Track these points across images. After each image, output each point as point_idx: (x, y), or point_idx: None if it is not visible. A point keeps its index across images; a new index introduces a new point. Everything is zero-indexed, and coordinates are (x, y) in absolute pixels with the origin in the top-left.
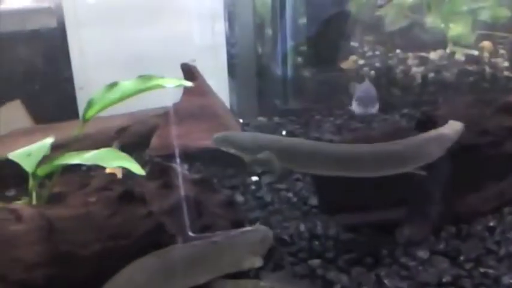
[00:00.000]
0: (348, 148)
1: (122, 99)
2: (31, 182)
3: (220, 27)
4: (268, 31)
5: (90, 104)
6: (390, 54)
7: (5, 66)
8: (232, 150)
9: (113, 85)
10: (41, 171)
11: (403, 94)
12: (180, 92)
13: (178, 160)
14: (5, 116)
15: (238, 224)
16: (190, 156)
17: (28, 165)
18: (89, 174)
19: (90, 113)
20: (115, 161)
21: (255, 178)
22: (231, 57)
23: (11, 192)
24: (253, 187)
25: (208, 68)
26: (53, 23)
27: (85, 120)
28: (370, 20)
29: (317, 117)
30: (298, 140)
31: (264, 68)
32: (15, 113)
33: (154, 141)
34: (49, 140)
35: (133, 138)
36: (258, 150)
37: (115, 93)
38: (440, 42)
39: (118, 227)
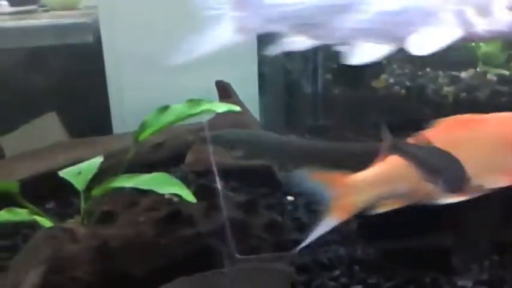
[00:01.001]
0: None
1: (173, 122)
2: (82, 201)
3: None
4: None
5: (143, 127)
6: (420, 73)
7: (42, 79)
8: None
9: (164, 108)
10: (96, 192)
11: (435, 113)
12: None
13: (216, 177)
14: (40, 128)
15: (282, 247)
16: (225, 173)
17: (79, 184)
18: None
19: (143, 135)
20: (168, 187)
21: (290, 198)
22: (261, 74)
23: (50, 205)
24: (289, 207)
25: (238, 82)
26: (89, 38)
27: (137, 142)
28: None
29: (348, 136)
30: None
31: (293, 84)
32: (50, 125)
33: (190, 156)
34: (98, 160)
35: (169, 153)
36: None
37: (167, 117)
38: (471, 61)
39: (166, 247)
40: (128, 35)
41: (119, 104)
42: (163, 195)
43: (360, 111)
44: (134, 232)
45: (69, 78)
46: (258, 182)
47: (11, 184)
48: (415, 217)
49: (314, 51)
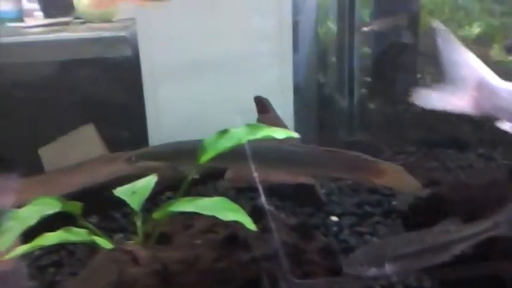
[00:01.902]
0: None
1: (232, 146)
2: (139, 222)
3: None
4: (332, 60)
5: (203, 150)
6: None
7: (81, 91)
8: (153, 164)
9: (223, 132)
10: (157, 216)
11: (475, 131)
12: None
13: (262, 197)
14: (77, 139)
15: (335, 271)
16: (267, 191)
17: (134, 204)
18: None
19: (204, 158)
20: (230, 214)
21: (335, 218)
22: (296, 88)
23: (93, 219)
24: (334, 228)
25: (272, 97)
26: (127, 51)
27: (197, 165)
28: (432, 51)
29: (387, 153)
30: None
31: (326, 98)
32: (88, 137)
33: (230, 172)
34: (152, 179)
35: (208, 168)
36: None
37: (226, 141)
38: (509, 76)
39: (223, 271)
40: (165, 47)
41: (156, 117)
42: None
43: (397, 128)
44: (192, 255)
45: (107, 91)
46: (301, 201)
47: (75, 205)
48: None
49: (350, 65)
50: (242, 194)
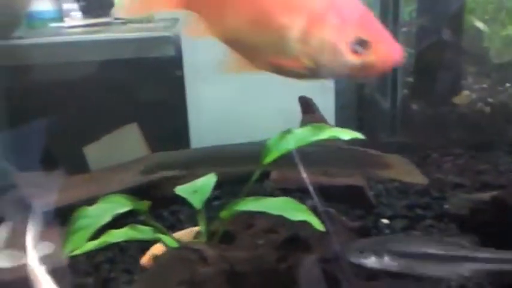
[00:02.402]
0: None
1: (295, 146)
2: (201, 220)
3: None
4: None
5: (267, 151)
6: (500, 88)
7: (124, 91)
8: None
9: (286, 132)
10: (224, 215)
11: None
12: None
13: (315, 198)
14: (121, 138)
15: (398, 275)
16: (316, 192)
17: (196, 202)
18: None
19: (268, 159)
20: (298, 214)
21: (385, 221)
22: (337, 88)
23: (142, 217)
24: (387, 231)
25: (314, 97)
26: (171, 51)
27: (262, 166)
28: (475, 50)
29: (433, 155)
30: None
31: (367, 99)
32: (131, 136)
33: (275, 173)
34: (213, 178)
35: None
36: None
37: (289, 142)
38: None
39: (286, 272)
40: (208, 47)
41: (197, 117)
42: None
43: (442, 129)
44: (256, 255)
45: (150, 91)
46: (351, 203)
47: (144, 203)
48: None
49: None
50: (289, 195)
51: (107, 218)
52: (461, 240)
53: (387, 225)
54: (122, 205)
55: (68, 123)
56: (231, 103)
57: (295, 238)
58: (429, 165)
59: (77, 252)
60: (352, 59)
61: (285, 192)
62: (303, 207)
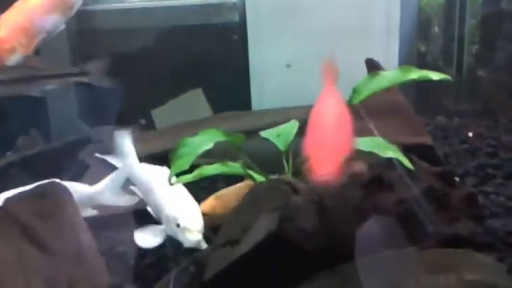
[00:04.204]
0: None
1: (382, 87)
2: (287, 160)
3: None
4: (434, 28)
5: (355, 91)
6: None
7: (190, 57)
8: None
9: (374, 74)
10: None
11: None
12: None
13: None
14: (186, 103)
15: (480, 220)
16: None
17: (281, 145)
18: None
19: (356, 99)
20: (389, 152)
21: (456, 179)
22: (401, 57)
23: None
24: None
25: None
26: (235, 17)
27: (350, 105)
28: None
29: (503, 121)
30: None
31: (430, 67)
32: (196, 100)
33: None
34: (295, 123)
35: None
36: None
37: (377, 82)
38: None
39: (371, 209)
40: (272, 14)
41: (260, 82)
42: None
43: (506, 96)
44: (341, 192)
45: (214, 56)
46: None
47: (238, 136)
48: None
49: (459, 32)
50: None
51: (207, 146)
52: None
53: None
54: (218, 136)
55: (137, 88)
56: (294, 68)
57: (380, 179)
58: (498, 129)
59: (176, 182)
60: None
61: None
62: (393, 146)
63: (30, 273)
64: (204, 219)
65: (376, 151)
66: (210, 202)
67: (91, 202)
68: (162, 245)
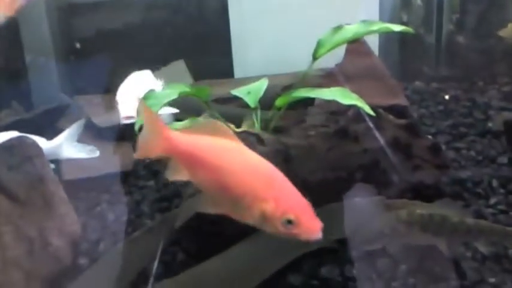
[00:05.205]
0: None
1: (345, 41)
2: (256, 115)
3: None
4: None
5: (319, 45)
6: None
7: (171, 28)
8: None
9: (337, 28)
10: (279, 102)
11: None
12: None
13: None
14: (169, 73)
15: (444, 169)
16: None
17: (251, 101)
18: (304, 111)
19: (320, 52)
20: (349, 99)
21: (429, 137)
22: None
23: None
24: None
25: None
26: None
27: (315, 59)
28: None
29: (479, 84)
30: None
31: (409, 34)
32: (179, 71)
33: (318, 102)
34: (264, 81)
35: None
36: None
37: (342, 35)
38: None
39: (336, 160)
40: None
41: (241, 50)
42: (329, 113)
43: (487, 61)
44: (306, 143)
45: (197, 26)
46: None
47: (204, 89)
48: None
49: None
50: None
51: (172, 97)
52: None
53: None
54: (184, 89)
55: (120, 58)
56: (274, 37)
57: (345, 131)
58: (474, 92)
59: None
60: (282, 230)
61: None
62: (355, 95)
63: (1, 221)
64: None
65: (338, 99)
66: None
67: (51, 156)
68: (139, 203)
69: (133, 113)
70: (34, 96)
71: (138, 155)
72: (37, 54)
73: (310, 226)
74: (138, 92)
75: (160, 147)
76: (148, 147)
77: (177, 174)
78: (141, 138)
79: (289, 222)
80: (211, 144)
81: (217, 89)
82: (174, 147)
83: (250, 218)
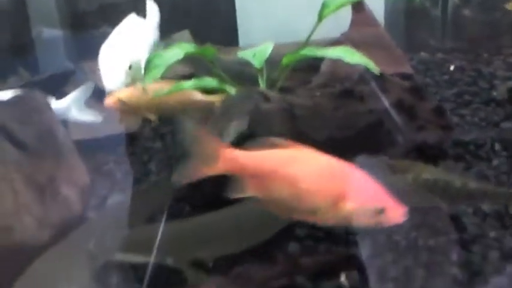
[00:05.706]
0: None
1: (350, 1)
2: (262, 75)
3: None
4: None
5: (324, 5)
6: None
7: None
8: None
9: None
10: (286, 60)
11: None
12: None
13: None
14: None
15: (447, 129)
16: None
17: (256, 62)
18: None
19: (325, 12)
20: (354, 57)
21: None
22: None
23: None
24: None
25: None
26: None
27: (320, 20)
28: None
29: (484, 55)
30: None
31: (415, 8)
32: (184, 41)
33: (324, 68)
34: (270, 44)
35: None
36: None
37: None
38: None
39: (342, 119)
40: None
41: (246, 23)
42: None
43: (492, 33)
44: (312, 103)
45: None
46: None
47: (209, 49)
48: None
49: None
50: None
51: (178, 57)
52: None
53: None
54: (189, 48)
55: None
56: (278, 7)
57: (350, 91)
58: (479, 63)
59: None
60: (372, 221)
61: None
62: (361, 54)
63: (11, 168)
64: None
65: (343, 57)
66: (130, 90)
67: (58, 116)
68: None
69: (120, 84)
70: (40, 65)
71: (188, 176)
72: (43, 25)
73: (397, 211)
74: (124, 55)
75: (222, 167)
76: (204, 168)
77: (242, 192)
78: (194, 159)
79: (378, 213)
80: (278, 156)
81: (222, 56)
82: (240, 166)
83: (333, 220)
